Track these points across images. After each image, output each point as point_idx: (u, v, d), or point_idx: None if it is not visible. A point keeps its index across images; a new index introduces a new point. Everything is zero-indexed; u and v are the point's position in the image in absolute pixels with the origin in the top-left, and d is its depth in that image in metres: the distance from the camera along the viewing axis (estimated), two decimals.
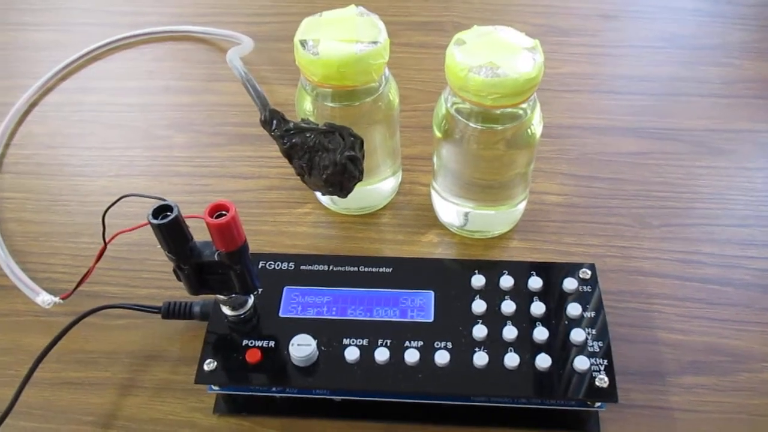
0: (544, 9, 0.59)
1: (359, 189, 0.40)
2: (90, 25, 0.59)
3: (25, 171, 0.47)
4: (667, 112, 0.48)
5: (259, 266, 0.35)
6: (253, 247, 0.41)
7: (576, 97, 0.50)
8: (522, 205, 0.40)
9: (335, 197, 0.42)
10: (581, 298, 0.33)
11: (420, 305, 0.33)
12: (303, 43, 0.34)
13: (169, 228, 0.27)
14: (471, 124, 0.35)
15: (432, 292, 0.34)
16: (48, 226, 0.43)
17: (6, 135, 0.49)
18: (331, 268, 0.35)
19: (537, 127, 0.36)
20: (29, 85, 0.52)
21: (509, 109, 0.34)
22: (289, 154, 0.36)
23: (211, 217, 0.27)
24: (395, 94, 0.38)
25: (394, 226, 0.42)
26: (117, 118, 0.51)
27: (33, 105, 0.52)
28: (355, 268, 0.35)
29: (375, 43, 0.34)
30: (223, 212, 0.27)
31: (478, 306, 0.33)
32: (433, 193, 0.41)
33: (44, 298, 0.37)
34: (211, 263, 0.29)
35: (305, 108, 0.37)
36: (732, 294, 0.38)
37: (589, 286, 0.33)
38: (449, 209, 0.40)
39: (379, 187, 0.42)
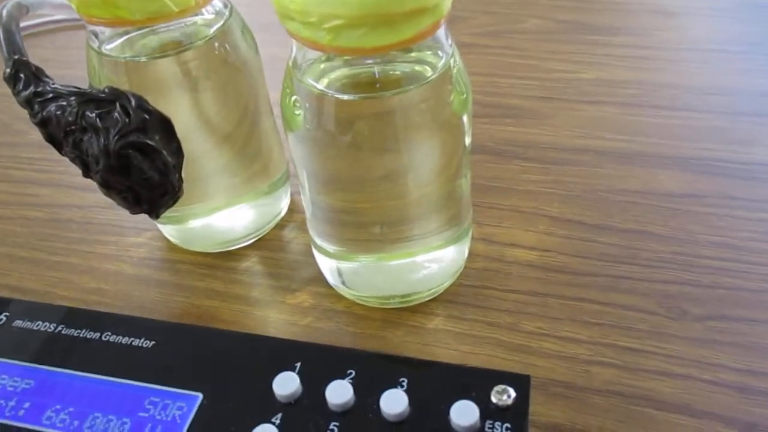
0: (575, 2, 0.42)
1: (202, 219, 0.26)
2: None
3: None
4: (741, 138, 0.30)
5: None
6: (39, 287, 0.27)
7: (597, 110, 0.33)
8: (448, 255, 0.23)
9: (173, 227, 0.27)
10: None
11: (171, 419, 0.17)
12: None
13: None
14: (331, 93, 0.19)
15: (199, 396, 0.17)
16: None
17: None
18: (60, 329, 0.20)
19: (461, 99, 0.20)
20: None
21: (396, 63, 0.19)
22: (50, 135, 0.22)
23: None
24: (245, 52, 0.24)
25: (254, 275, 0.26)
26: None
27: None
28: (97, 335, 0.20)
29: None
30: None
31: None
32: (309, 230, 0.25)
33: None
34: None
35: (93, 66, 0.23)
36: None
37: (505, 425, 0.16)
38: (322, 260, 0.24)
39: (234, 212, 0.26)
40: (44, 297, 0.26)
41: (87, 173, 0.23)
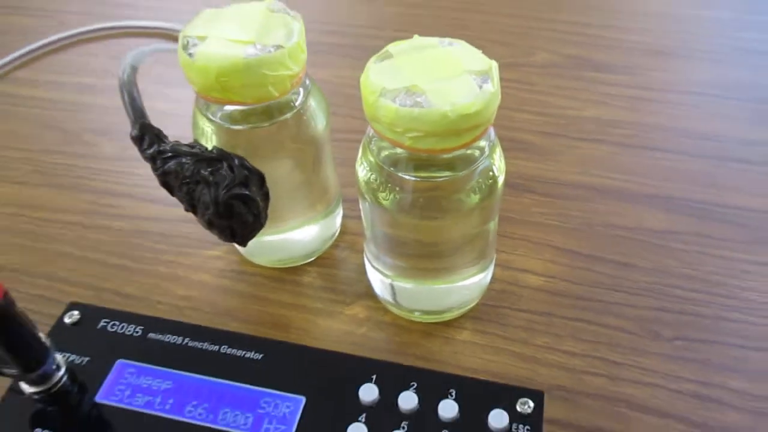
0: (580, 37, 0.48)
1: (270, 238, 0.31)
2: (72, 13, 0.54)
3: None
4: (718, 183, 0.36)
5: (99, 325, 0.27)
6: (137, 292, 0.33)
7: (595, 148, 0.39)
8: (476, 281, 0.30)
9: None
10: None
11: (282, 416, 0.23)
12: (186, 41, 0.26)
13: None
14: (399, 174, 0.25)
15: (303, 399, 0.24)
16: None
17: None
18: (186, 342, 0.26)
19: (498, 175, 0.26)
20: None
21: (452, 153, 0.24)
22: (166, 183, 0.28)
23: None
24: (320, 117, 0.29)
25: (316, 289, 0.33)
26: (52, 116, 0.44)
27: None
28: (217, 348, 0.26)
29: (278, 47, 0.25)
30: None
31: None
32: (365, 252, 0.31)
33: None
34: None
35: (200, 127, 0.29)
36: None
37: (526, 427, 0.23)
38: (376, 278, 0.30)
39: (296, 236, 0.32)
40: (143, 301, 0.32)
41: (192, 212, 0.28)
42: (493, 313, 0.31)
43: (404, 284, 0.29)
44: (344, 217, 0.35)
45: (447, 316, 0.31)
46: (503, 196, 0.36)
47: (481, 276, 0.30)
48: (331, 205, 0.33)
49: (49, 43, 0.50)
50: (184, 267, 0.34)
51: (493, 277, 0.31)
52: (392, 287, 0.30)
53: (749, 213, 0.35)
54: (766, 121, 0.40)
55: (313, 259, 0.34)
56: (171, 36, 0.50)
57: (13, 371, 0.22)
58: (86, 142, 0.42)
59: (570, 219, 0.35)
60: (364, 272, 0.32)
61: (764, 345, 0.29)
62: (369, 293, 0.32)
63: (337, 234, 0.34)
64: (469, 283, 0.30)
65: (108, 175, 0.40)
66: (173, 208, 0.37)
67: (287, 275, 0.33)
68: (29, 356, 0.22)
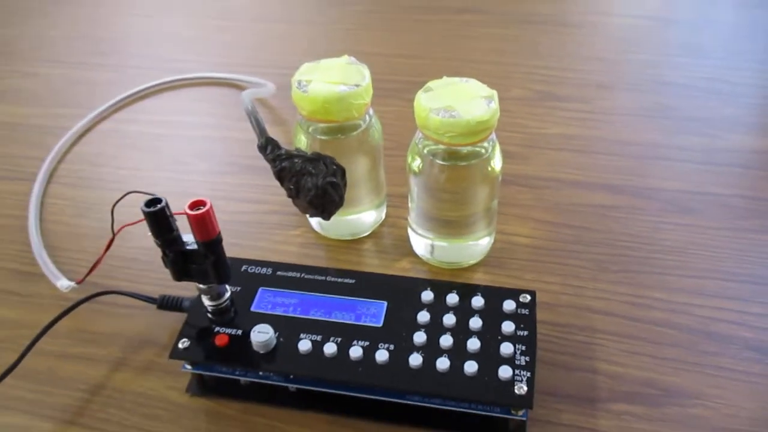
0: (545, 78, 0.64)
1: (343, 217, 0.46)
2: (142, 68, 0.68)
3: (70, 183, 0.55)
4: (643, 173, 0.52)
5: (242, 269, 0.41)
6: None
7: (559, 154, 0.54)
8: (485, 241, 0.44)
9: (323, 222, 0.47)
10: (517, 318, 0.36)
11: (373, 313, 0.37)
12: (298, 82, 0.41)
13: (157, 216, 0.33)
14: (437, 161, 0.40)
15: (385, 303, 0.38)
16: (81, 228, 0.50)
17: (61, 152, 0.58)
18: (302, 275, 0.40)
19: (497, 165, 0.40)
20: (85, 114, 0.61)
21: (469, 148, 0.39)
22: (279, 176, 0.42)
23: (191, 210, 0.33)
24: (378, 134, 0.44)
25: (373, 252, 0.47)
26: (152, 145, 0.58)
27: (88, 130, 0.61)
28: (323, 278, 0.40)
29: (357, 86, 0.40)
30: (201, 207, 0.33)
31: (423, 317, 0.37)
32: (408, 226, 0.45)
33: (63, 283, 0.43)
34: (191, 253, 0.35)
35: (300, 139, 0.43)
36: (675, 336, 0.40)
37: (526, 309, 0.37)
38: (418, 241, 0.45)
39: (361, 217, 0.47)
40: None
41: (294, 196, 0.42)
42: (496, 261, 0.45)
43: (440, 243, 0.44)
44: (388, 206, 0.49)
45: (466, 264, 0.45)
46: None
47: (488, 238, 0.45)
48: (382, 196, 0.47)
49: (137, 92, 0.64)
50: (276, 242, 0.48)
51: (495, 239, 0.46)
52: (432, 246, 0.44)
53: (662, 192, 0.50)
54: (674, 132, 0.56)
55: (367, 233, 0.48)
56: (225, 83, 0.65)
57: (210, 283, 0.36)
58: (182, 162, 0.56)
59: (544, 201, 0.50)
60: (405, 240, 0.46)
61: (676, 272, 0.44)
62: (411, 253, 0.46)
63: (383, 217, 0.49)
64: (481, 243, 0.44)
65: (205, 184, 0.54)
66: (260, 204, 0.51)
67: (350, 245, 0.47)
68: (224, 272, 0.36)
